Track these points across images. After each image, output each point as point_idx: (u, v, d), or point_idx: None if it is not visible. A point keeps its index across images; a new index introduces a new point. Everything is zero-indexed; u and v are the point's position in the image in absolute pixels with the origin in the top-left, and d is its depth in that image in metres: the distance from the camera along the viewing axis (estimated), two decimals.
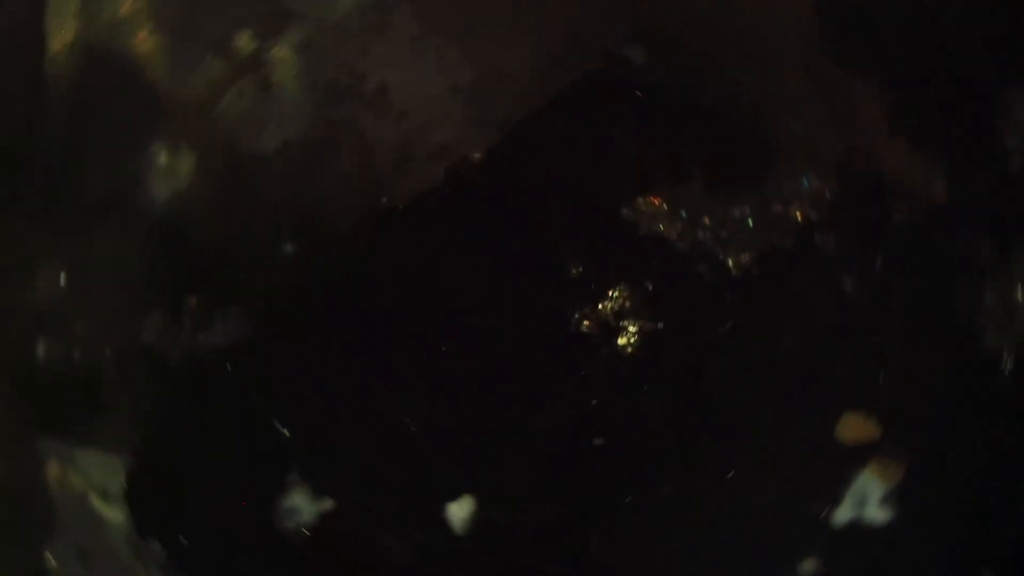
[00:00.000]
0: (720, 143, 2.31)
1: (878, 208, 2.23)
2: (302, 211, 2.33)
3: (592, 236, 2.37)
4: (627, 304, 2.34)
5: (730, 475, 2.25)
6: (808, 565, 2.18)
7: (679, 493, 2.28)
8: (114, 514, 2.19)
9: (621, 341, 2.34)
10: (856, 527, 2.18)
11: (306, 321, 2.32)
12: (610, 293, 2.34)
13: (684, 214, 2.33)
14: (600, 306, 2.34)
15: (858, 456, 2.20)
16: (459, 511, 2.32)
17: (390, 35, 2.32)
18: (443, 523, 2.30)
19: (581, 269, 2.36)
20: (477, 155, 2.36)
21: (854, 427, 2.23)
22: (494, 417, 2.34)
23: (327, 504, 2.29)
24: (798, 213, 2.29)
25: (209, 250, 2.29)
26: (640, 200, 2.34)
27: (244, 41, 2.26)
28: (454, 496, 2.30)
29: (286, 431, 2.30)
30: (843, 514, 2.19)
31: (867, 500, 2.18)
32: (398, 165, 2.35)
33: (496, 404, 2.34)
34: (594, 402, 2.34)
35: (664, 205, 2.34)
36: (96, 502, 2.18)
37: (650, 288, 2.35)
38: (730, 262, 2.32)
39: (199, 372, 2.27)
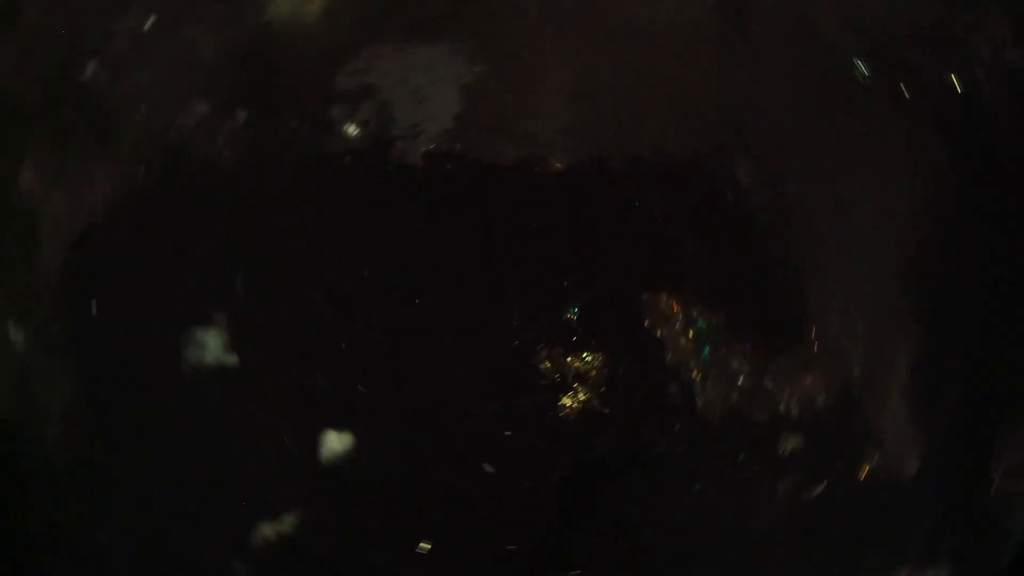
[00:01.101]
0: (762, 305, 2.33)
1: (851, 451, 2.26)
2: None
3: (604, 296, 2.36)
4: (591, 373, 2.33)
5: None
6: None
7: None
8: None
9: (564, 399, 2.34)
10: None
11: None
12: (585, 353, 2.34)
13: (690, 334, 2.33)
14: (569, 358, 2.34)
15: None
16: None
17: None
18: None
19: (575, 316, 2.35)
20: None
21: None
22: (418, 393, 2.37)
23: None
24: (786, 403, 2.30)
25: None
26: (665, 296, 2.34)
27: None
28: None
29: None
30: None
31: None
32: None
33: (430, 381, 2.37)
34: (507, 433, 2.34)
35: (680, 315, 2.33)
36: None
37: (619, 373, 2.34)
38: (699, 402, 2.32)
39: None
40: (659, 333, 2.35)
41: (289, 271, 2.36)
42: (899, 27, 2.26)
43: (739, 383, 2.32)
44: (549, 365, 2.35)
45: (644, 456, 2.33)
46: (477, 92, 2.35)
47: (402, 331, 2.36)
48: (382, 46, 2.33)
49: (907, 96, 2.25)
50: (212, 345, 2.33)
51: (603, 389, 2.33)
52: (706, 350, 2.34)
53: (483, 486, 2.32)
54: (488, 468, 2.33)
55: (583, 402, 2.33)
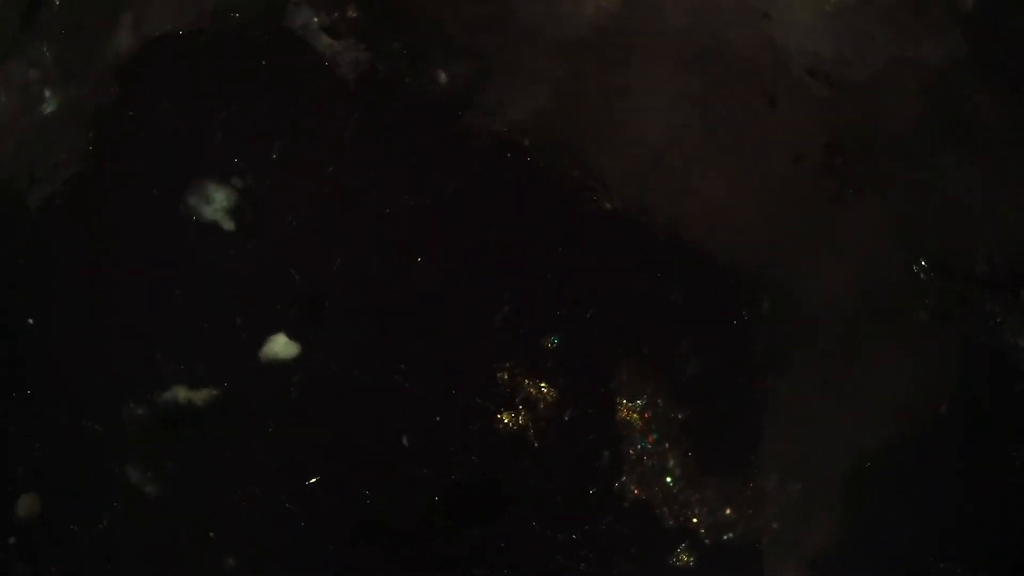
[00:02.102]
0: (723, 428, 2.36)
1: None
2: None
3: (589, 341, 2.36)
4: (540, 403, 2.34)
5: None
6: None
7: None
8: None
9: (504, 414, 2.34)
10: None
11: None
12: (544, 383, 2.34)
13: (647, 415, 2.34)
14: (527, 380, 2.34)
15: None
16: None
17: None
18: None
19: (553, 346, 2.35)
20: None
21: None
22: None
23: None
24: (699, 521, 2.31)
25: None
26: (643, 371, 2.34)
27: None
28: None
29: None
30: None
31: None
32: None
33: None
34: (436, 418, 2.34)
35: (647, 395, 2.34)
36: None
37: (564, 418, 2.34)
38: (621, 479, 2.32)
39: None
40: (620, 401, 2.34)
41: (317, 167, 2.38)
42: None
43: (666, 481, 2.32)
44: (506, 377, 2.34)
45: (540, 501, 2.32)
46: (570, 102, 2.37)
47: (391, 276, 2.37)
48: None
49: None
50: (217, 203, 2.35)
51: (542, 424, 2.33)
52: (655, 436, 2.33)
53: (390, 454, 2.33)
54: (404, 441, 2.33)
55: (519, 426, 2.33)
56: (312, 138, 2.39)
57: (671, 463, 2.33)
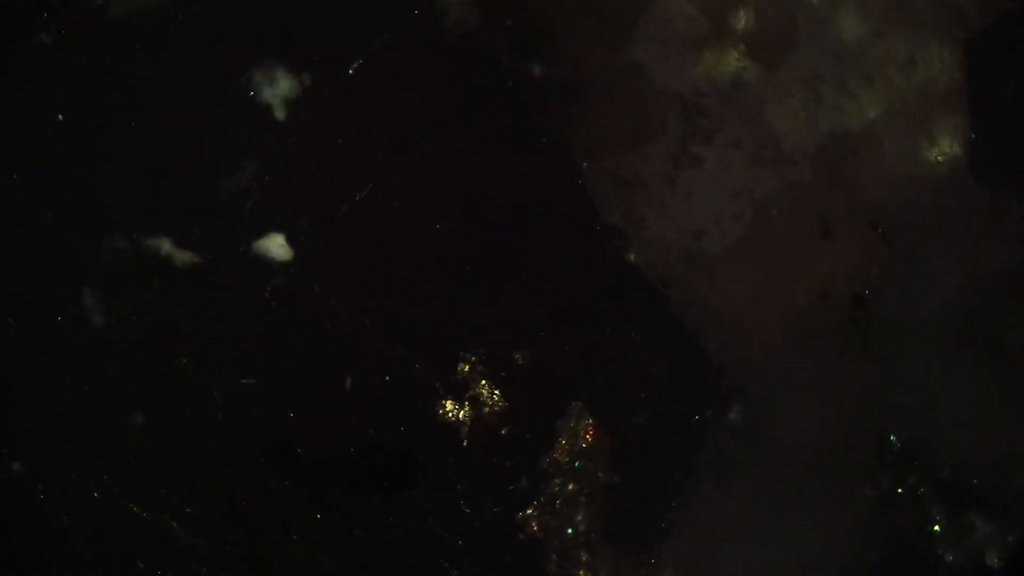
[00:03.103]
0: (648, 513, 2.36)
1: None
2: None
3: (555, 372, 2.36)
4: (486, 408, 2.33)
5: None
6: None
7: None
8: None
9: (448, 402, 2.33)
10: None
11: None
12: (497, 391, 2.34)
13: (577, 450, 2.33)
14: (484, 381, 2.34)
15: None
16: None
17: None
18: None
19: (521, 360, 2.35)
20: None
21: None
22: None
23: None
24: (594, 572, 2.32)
25: None
26: (591, 420, 2.34)
27: None
28: None
29: None
30: None
31: None
32: None
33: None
34: (386, 378, 2.35)
35: (585, 438, 2.33)
36: None
37: (502, 429, 2.34)
38: (534, 503, 2.33)
39: None
40: (560, 440, 2.34)
41: (383, 99, 2.39)
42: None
43: (567, 531, 2.32)
44: (467, 369, 2.34)
45: (443, 497, 2.33)
46: (644, 147, 2.37)
47: (407, 225, 2.38)
48: None
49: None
50: (280, 89, 2.36)
51: (479, 427, 2.33)
52: (576, 486, 2.33)
53: (329, 390, 2.34)
54: (347, 383, 2.33)
55: (457, 418, 2.32)
56: (390, 71, 2.39)
57: (579, 517, 2.33)
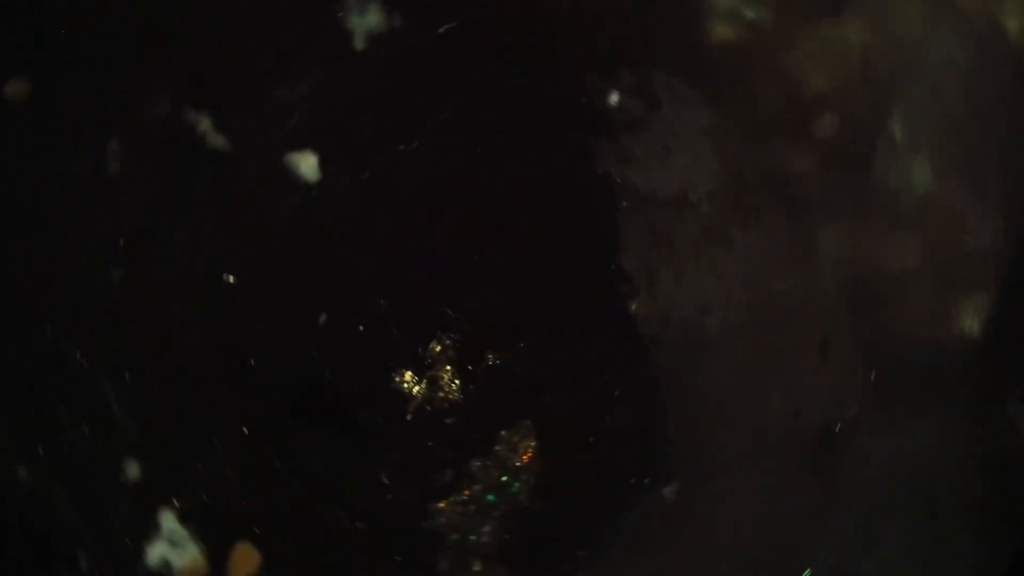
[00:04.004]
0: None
1: None
2: None
3: (516, 379, 2.37)
4: (440, 392, 2.34)
5: None
6: None
7: None
8: None
9: (408, 374, 2.34)
10: None
11: None
12: (458, 381, 2.35)
13: (511, 466, 2.34)
14: (448, 367, 2.34)
15: None
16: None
17: None
18: None
19: (488, 360, 2.35)
20: None
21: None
22: None
23: None
24: None
25: None
26: (532, 442, 2.34)
27: None
28: None
29: None
30: None
31: None
32: None
33: None
34: (360, 328, 2.35)
35: (521, 460, 2.34)
36: None
37: (447, 418, 2.34)
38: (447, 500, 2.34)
39: None
40: (500, 442, 2.34)
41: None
42: None
43: (470, 537, 2.32)
44: (437, 350, 2.34)
45: (366, 464, 2.34)
46: (683, 211, 2.36)
47: (420, 195, 2.39)
48: None
49: None
50: (368, 22, 2.35)
51: (426, 408, 2.33)
52: (494, 498, 2.33)
53: (298, 319, 2.35)
54: (321, 319, 2.34)
55: (409, 392, 2.33)
56: (476, 47, 2.38)
57: (487, 528, 2.33)
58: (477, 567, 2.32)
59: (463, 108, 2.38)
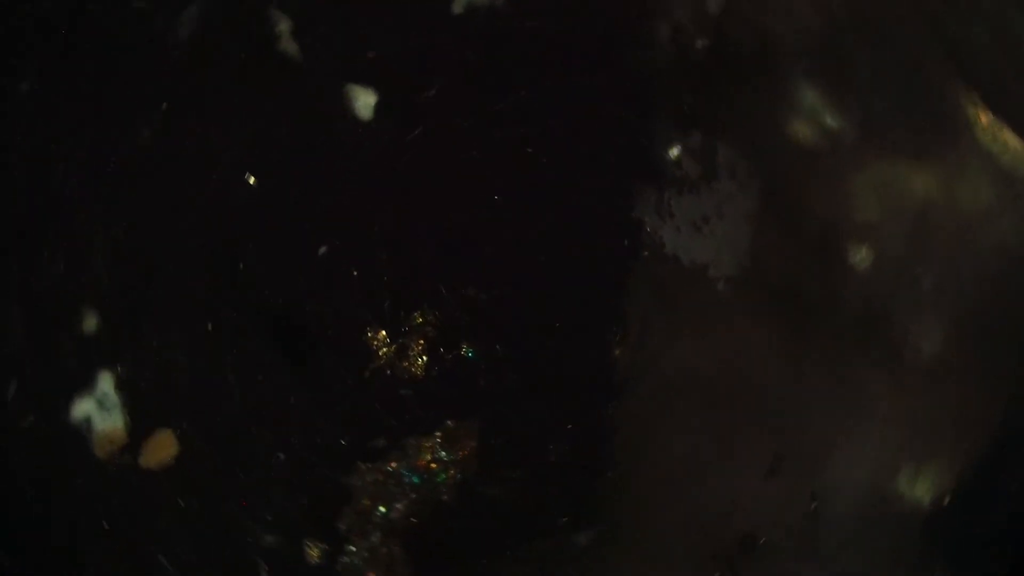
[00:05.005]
0: None
1: None
2: None
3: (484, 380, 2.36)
4: (404, 363, 2.33)
5: None
6: None
7: None
8: None
9: (380, 337, 2.34)
10: None
11: None
12: (423, 360, 2.34)
13: (449, 456, 2.33)
14: (421, 341, 2.34)
15: None
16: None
17: None
18: None
19: (464, 351, 2.35)
20: None
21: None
22: None
23: None
24: None
25: None
26: (474, 438, 2.33)
27: None
28: None
29: None
30: None
31: None
32: None
33: None
34: (354, 273, 2.36)
35: (459, 451, 2.33)
36: None
37: (399, 392, 2.34)
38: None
39: None
40: (444, 430, 2.33)
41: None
42: None
43: (380, 510, 2.32)
44: (419, 320, 2.34)
45: (314, 399, 2.35)
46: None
47: (456, 158, 2.38)
48: None
49: None
50: None
51: (387, 374, 2.33)
52: (441, 477, 2.33)
53: (304, 246, 2.35)
54: (321, 250, 2.35)
55: (376, 352, 2.33)
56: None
57: (400, 506, 2.33)
58: (375, 538, 2.32)
59: (530, 99, 2.37)
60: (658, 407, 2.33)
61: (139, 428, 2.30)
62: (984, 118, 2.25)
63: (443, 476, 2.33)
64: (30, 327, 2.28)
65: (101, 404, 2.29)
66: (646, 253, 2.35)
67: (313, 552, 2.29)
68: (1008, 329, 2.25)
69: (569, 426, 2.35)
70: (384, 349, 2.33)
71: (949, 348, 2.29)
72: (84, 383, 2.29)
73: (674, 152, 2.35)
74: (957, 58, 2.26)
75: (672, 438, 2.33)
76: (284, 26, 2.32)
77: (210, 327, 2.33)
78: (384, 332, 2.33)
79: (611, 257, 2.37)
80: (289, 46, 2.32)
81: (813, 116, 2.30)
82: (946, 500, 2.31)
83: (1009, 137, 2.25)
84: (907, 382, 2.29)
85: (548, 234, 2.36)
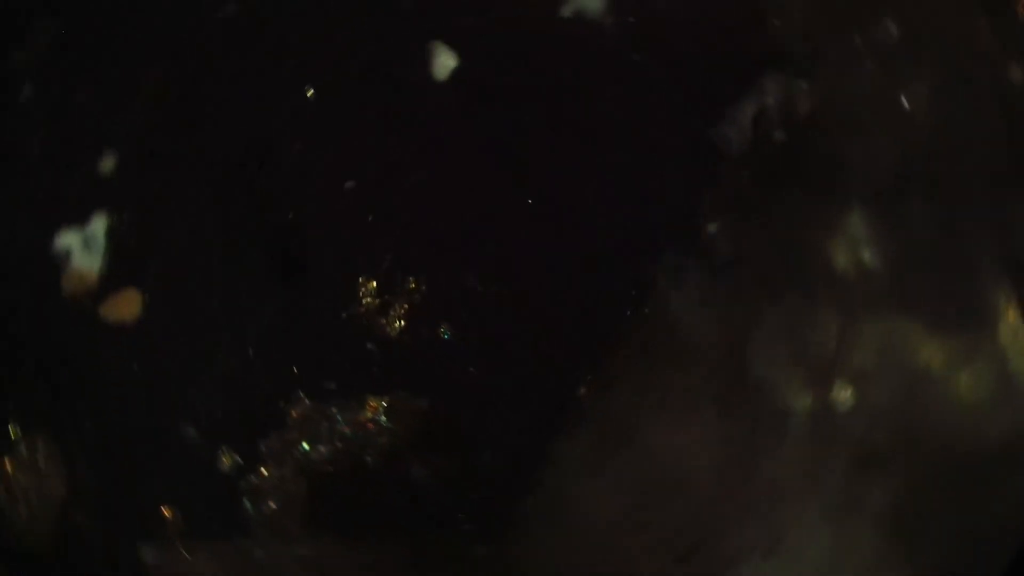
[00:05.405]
0: None
1: None
2: None
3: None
4: (387, 327, 2.34)
5: None
6: None
7: None
8: None
9: (374, 284, 2.34)
10: None
11: None
12: (400, 322, 2.34)
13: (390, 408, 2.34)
14: (405, 304, 2.34)
15: None
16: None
17: None
18: None
19: (443, 333, 2.35)
20: None
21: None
22: None
23: None
24: None
25: None
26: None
27: None
28: None
29: None
30: None
31: None
32: None
33: None
34: (370, 216, 2.36)
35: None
36: None
37: (367, 346, 2.34)
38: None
39: None
40: (391, 399, 2.34)
41: None
42: None
43: (303, 447, 2.32)
44: (411, 286, 2.35)
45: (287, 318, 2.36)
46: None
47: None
48: None
49: None
50: None
51: (362, 323, 2.33)
52: (376, 441, 2.33)
53: (333, 180, 2.36)
54: (348, 185, 2.36)
55: (359, 298, 2.33)
56: None
57: (324, 450, 2.33)
58: (287, 470, 2.32)
59: (601, 126, 2.37)
60: (597, 459, 2.33)
61: (112, 280, 2.32)
62: (1013, 316, 2.23)
63: (376, 440, 2.33)
64: (51, 146, 2.30)
65: (86, 243, 2.30)
66: (647, 310, 2.35)
67: (226, 461, 2.30)
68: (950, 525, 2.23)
69: (510, 444, 2.34)
70: (368, 299, 2.34)
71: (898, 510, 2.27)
72: (78, 217, 2.30)
73: (713, 227, 2.34)
74: (1010, 248, 2.24)
75: (598, 491, 2.33)
76: None
77: (217, 214, 2.33)
78: (375, 283, 2.34)
79: (615, 302, 2.36)
80: None
81: (854, 246, 2.28)
82: None
83: None
84: (846, 529, 2.29)
85: (564, 261, 2.36)
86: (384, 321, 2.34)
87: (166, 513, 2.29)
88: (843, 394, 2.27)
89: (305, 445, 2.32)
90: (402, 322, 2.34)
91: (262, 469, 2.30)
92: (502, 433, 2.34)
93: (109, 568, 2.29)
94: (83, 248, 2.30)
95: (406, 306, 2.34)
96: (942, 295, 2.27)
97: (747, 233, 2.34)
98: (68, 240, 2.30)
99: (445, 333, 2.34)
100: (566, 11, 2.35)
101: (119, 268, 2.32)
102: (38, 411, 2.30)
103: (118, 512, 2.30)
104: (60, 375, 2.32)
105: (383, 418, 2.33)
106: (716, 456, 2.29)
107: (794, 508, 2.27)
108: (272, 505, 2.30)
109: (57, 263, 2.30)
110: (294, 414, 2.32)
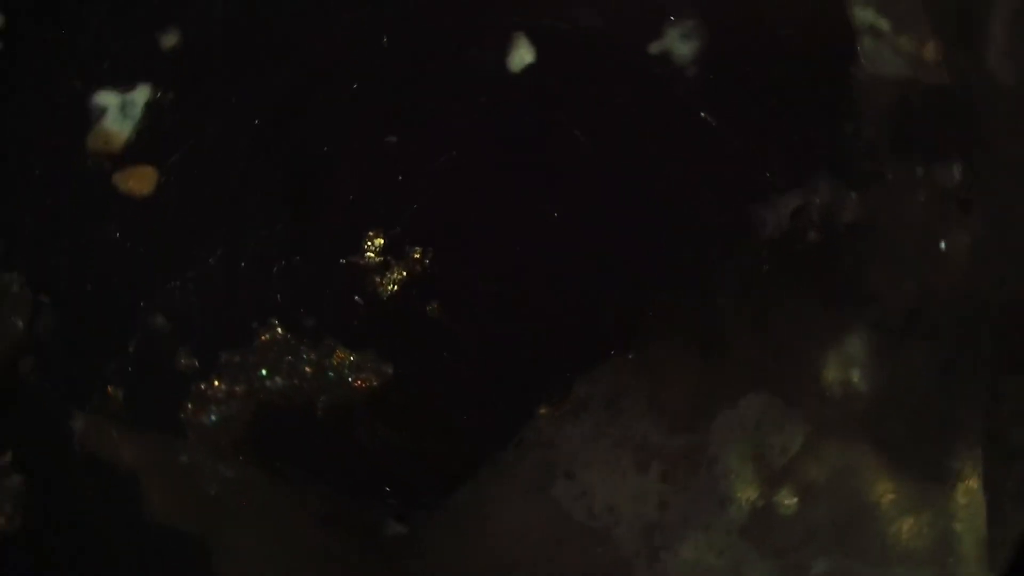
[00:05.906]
0: None
1: None
2: None
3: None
4: (377, 288, 2.34)
5: None
6: None
7: None
8: None
9: (378, 240, 2.34)
10: None
11: None
12: (394, 281, 2.34)
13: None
14: (404, 273, 2.34)
15: None
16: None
17: None
18: None
19: (431, 308, 2.35)
20: None
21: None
22: None
23: None
24: None
25: None
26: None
27: None
28: None
29: None
30: None
31: None
32: None
33: None
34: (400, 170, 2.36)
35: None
36: None
37: (355, 299, 2.34)
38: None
39: None
40: (359, 355, 2.33)
41: None
42: None
43: (278, 381, 2.32)
44: (416, 256, 2.34)
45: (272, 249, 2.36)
46: None
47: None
48: None
49: None
50: None
51: (360, 276, 2.33)
52: (345, 372, 2.33)
53: (368, 134, 2.37)
54: (389, 139, 2.36)
55: (362, 250, 2.33)
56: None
57: (279, 379, 2.32)
58: (240, 388, 2.31)
59: (653, 174, 2.38)
60: (530, 481, 2.32)
61: (135, 150, 2.33)
62: (974, 483, 2.24)
63: (333, 390, 2.33)
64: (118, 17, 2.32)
65: (123, 107, 2.31)
66: (631, 355, 2.34)
67: (184, 361, 2.30)
68: None
69: (455, 438, 2.34)
70: (371, 254, 2.33)
71: None
72: (123, 81, 2.31)
73: (721, 300, 2.34)
74: (993, 419, 2.24)
75: (522, 513, 2.33)
76: None
77: (254, 127, 2.34)
78: (382, 240, 2.33)
79: (599, 337, 2.35)
80: None
81: (846, 365, 2.28)
82: None
83: (978, 515, 2.23)
84: None
85: (566, 281, 2.37)
86: (379, 280, 2.33)
87: (109, 390, 2.29)
88: (788, 500, 2.28)
89: (264, 371, 2.31)
90: (395, 287, 2.33)
91: (215, 380, 2.30)
92: (451, 426, 2.34)
93: (37, 420, 2.30)
94: (119, 111, 2.31)
95: (404, 273, 2.34)
96: (915, 439, 2.27)
97: (747, 316, 2.33)
98: (107, 100, 2.31)
99: (432, 311, 2.34)
100: (655, 48, 2.35)
101: (145, 142, 2.32)
102: (23, 249, 2.30)
103: (66, 373, 2.30)
104: (55, 224, 2.32)
105: (346, 371, 2.32)
106: (645, 515, 2.29)
107: None
108: (213, 418, 2.30)
109: (89, 117, 2.31)
110: (263, 338, 2.32)
